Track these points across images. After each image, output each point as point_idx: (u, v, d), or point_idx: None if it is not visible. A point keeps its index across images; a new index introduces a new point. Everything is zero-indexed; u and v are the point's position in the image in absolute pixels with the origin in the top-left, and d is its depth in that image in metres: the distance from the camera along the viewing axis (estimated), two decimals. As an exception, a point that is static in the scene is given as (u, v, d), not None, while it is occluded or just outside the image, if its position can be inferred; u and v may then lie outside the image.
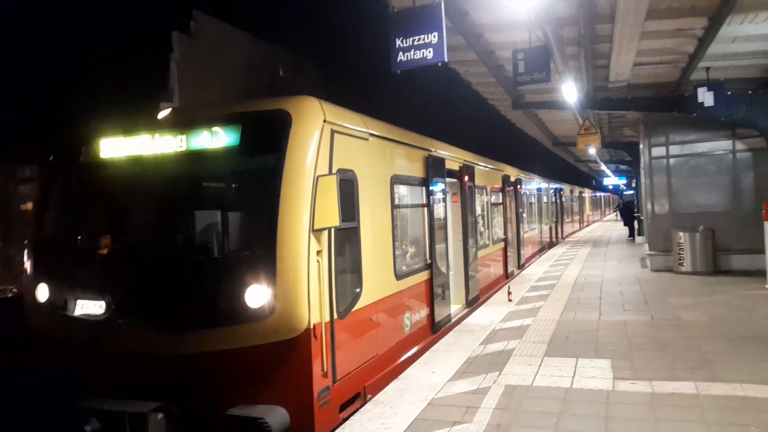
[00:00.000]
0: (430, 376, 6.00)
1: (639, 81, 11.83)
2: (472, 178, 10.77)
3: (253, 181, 5.45)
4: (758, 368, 5.77)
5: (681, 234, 12.92)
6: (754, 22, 8.45)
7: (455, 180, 9.81)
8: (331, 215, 4.79)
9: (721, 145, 13.46)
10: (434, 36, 5.85)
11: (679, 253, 12.93)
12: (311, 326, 4.71)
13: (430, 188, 8.32)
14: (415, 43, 5.93)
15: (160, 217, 5.47)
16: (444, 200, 9.30)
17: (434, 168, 8.55)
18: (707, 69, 10.90)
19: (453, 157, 9.71)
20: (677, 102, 11.96)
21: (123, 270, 5.41)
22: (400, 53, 6.01)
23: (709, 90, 10.69)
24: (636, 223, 23.71)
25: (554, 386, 5.51)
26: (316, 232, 4.82)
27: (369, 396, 5.64)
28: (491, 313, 9.22)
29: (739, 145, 13.29)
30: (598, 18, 8.54)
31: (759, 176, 12.96)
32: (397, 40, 6.02)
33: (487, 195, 12.26)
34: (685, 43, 9.52)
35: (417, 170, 7.91)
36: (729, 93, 10.85)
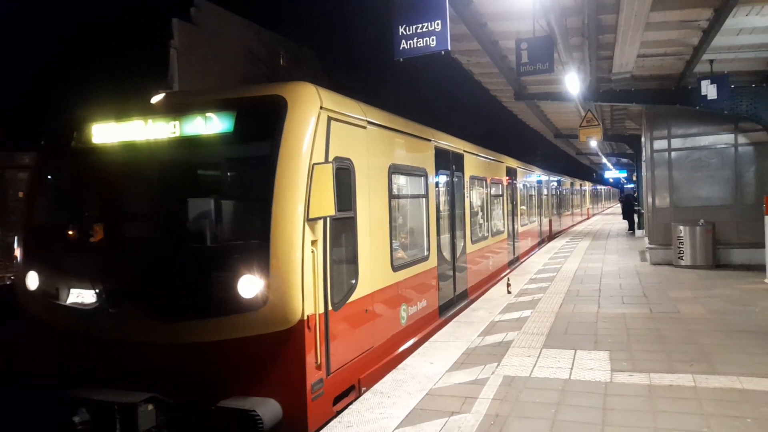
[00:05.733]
0: (428, 366, 6.01)
1: (642, 73, 11.75)
2: (472, 169, 10.67)
3: (247, 168, 5.32)
4: (756, 361, 5.78)
5: (681, 227, 12.91)
6: (760, 14, 8.37)
7: (456, 170, 9.71)
8: (326, 204, 4.67)
9: (723, 139, 13.41)
10: (437, 24, 5.78)
11: (679, 247, 12.93)
12: (305, 318, 4.62)
13: (430, 178, 8.21)
14: (418, 30, 5.86)
15: (151, 205, 5.35)
16: (445, 191, 9.20)
17: (434, 158, 8.43)
18: (711, 61, 10.82)
19: (454, 147, 9.60)
20: (680, 94, 11.88)
21: (113, 258, 5.29)
22: (403, 41, 5.94)
23: (712, 83, 10.61)
24: (636, 216, 23.68)
25: (552, 377, 5.52)
26: (310, 221, 4.71)
27: (363, 389, 5.58)
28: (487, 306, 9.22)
29: (742, 139, 13.23)
30: (602, 8, 8.45)
31: (761, 170, 12.93)
32: (400, 27, 5.95)
33: (487, 186, 12.17)
34: (689, 34, 9.43)
35: (417, 160, 7.81)
36: (732, 86, 10.78)
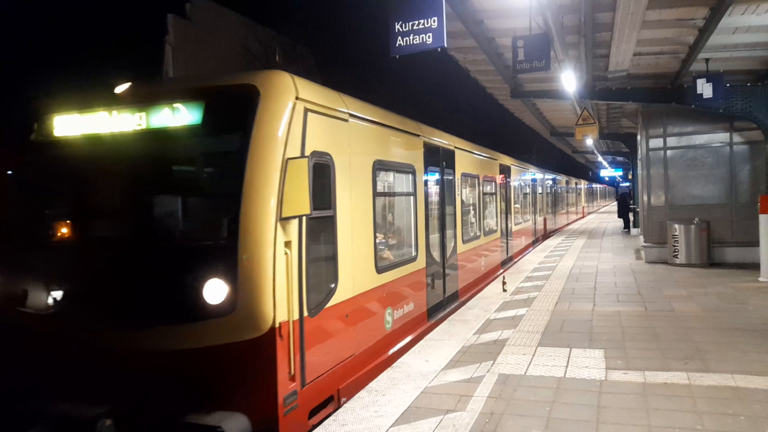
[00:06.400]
0: (423, 364, 6.00)
1: (638, 71, 11.76)
2: (464, 166, 10.45)
3: (216, 163, 5.02)
4: (750, 359, 5.81)
5: (676, 226, 12.95)
6: (756, 13, 8.39)
7: (447, 168, 9.36)
8: (301, 202, 4.32)
9: (718, 138, 13.46)
10: (434, 21, 5.77)
11: (674, 245, 12.98)
12: (277, 325, 4.29)
13: (419, 176, 7.87)
14: (415, 27, 5.85)
15: (113, 203, 5.01)
16: (435, 188, 8.85)
17: (423, 154, 8.10)
18: (707, 60, 10.84)
19: (445, 143, 9.29)
20: (676, 93, 11.91)
21: (70, 260, 4.96)
22: (399, 38, 5.93)
23: (708, 81, 10.66)
24: (631, 214, 23.77)
25: (547, 375, 5.52)
26: (284, 220, 4.37)
27: (343, 399, 5.28)
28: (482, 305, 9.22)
29: (737, 138, 13.28)
30: (599, 6, 8.45)
31: (755, 169, 12.97)
32: (396, 24, 5.94)
33: (480, 184, 11.92)
34: (685, 33, 9.45)
35: (404, 156, 7.46)
36: (728, 85, 10.82)
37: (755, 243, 11.00)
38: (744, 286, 10.06)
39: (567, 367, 5.76)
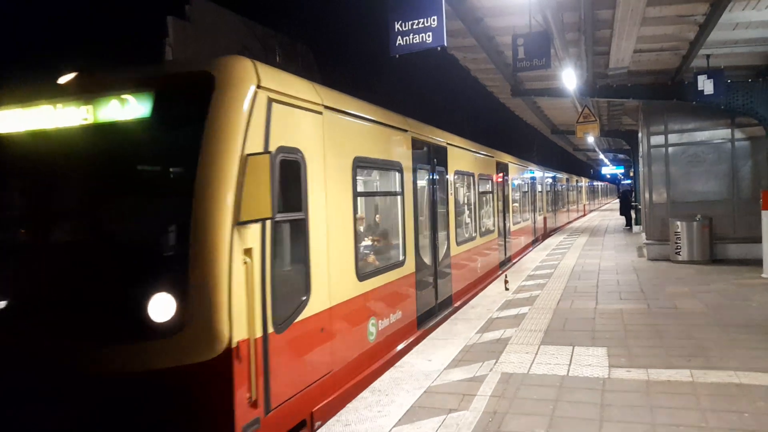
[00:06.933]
0: (426, 364, 6.00)
1: (639, 68, 11.74)
2: (458, 164, 10.04)
3: (167, 161, 4.48)
4: (753, 356, 5.79)
5: (678, 223, 12.93)
6: (756, 8, 8.36)
7: (438, 165, 8.88)
8: (261, 204, 3.82)
9: (720, 134, 13.43)
10: (433, 20, 5.76)
11: (676, 242, 12.95)
12: (234, 345, 3.77)
13: (406, 174, 7.41)
14: (414, 26, 5.84)
15: (52, 207, 4.59)
16: (425, 188, 8.31)
17: (412, 151, 7.64)
18: (708, 56, 10.82)
19: (435, 139, 8.80)
20: (677, 90, 11.89)
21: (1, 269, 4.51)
22: (399, 37, 5.91)
23: (709, 78, 10.64)
24: (633, 212, 23.75)
25: (550, 374, 5.51)
26: (242, 225, 3.88)
27: (318, 423, 4.78)
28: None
29: (738, 134, 13.26)
30: (599, 3, 8.43)
31: (757, 165, 12.95)
32: (395, 23, 5.93)
33: (475, 183, 11.49)
34: (686, 29, 9.43)
35: (389, 153, 6.99)
36: (729, 81, 10.79)
37: (758, 239, 10.98)
38: (747, 282, 10.03)
39: (570, 365, 5.75)
